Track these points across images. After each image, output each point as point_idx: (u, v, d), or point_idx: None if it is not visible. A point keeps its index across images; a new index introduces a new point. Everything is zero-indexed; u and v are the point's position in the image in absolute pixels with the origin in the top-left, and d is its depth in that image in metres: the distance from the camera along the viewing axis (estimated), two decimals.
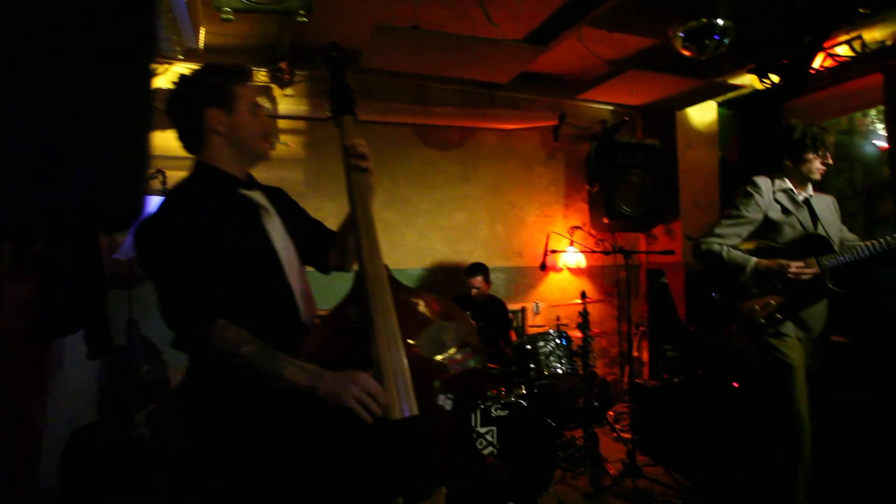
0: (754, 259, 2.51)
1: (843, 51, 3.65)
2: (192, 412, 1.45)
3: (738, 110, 4.95)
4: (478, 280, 3.89)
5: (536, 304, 4.45)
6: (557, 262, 4.66)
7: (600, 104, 4.85)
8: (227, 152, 1.46)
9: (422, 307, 1.51)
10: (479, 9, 3.21)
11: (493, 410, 2.97)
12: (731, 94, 4.61)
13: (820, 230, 2.57)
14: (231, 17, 2.30)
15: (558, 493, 3.20)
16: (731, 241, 2.57)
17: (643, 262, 4.99)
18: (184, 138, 1.48)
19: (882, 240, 2.42)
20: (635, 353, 4.89)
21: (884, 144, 4.51)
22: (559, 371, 3.22)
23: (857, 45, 3.54)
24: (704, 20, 2.85)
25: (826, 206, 2.68)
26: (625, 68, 3.83)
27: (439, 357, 1.44)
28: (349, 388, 1.27)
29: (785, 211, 2.58)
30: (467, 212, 4.57)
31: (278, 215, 1.53)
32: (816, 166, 2.56)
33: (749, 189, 2.60)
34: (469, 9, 3.31)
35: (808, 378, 2.51)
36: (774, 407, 2.58)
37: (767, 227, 2.58)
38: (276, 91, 4.03)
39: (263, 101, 1.54)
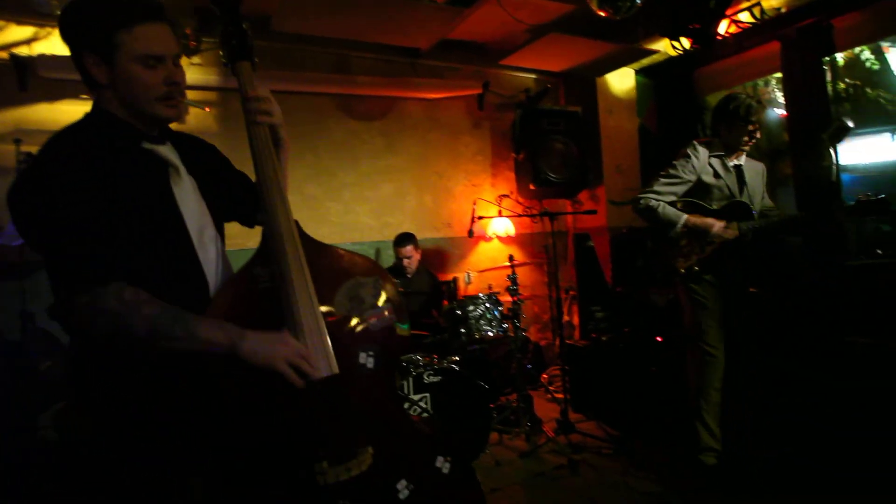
0: (685, 216, 2.71)
1: (746, 17, 3.84)
2: (89, 400, 1.26)
3: (654, 78, 5.12)
4: (408, 249, 3.83)
5: (468, 273, 4.43)
6: (487, 231, 4.68)
7: (524, 72, 4.87)
8: (120, 107, 1.24)
9: (337, 263, 1.43)
10: None
11: (425, 377, 2.95)
12: (646, 62, 4.75)
13: (745, 196, 2.78)
14: None
15: (495, 455, 3.24)
16: (666, 199, 2.76)
17: (570, 228, 5.11)
18: (82, 77, 1.24)
19: (788, 215, 2.80)
20: (566, 318, 5.02)
21: (783, 111, 4.81)
22: (490, 334, 3.24)
23: (756, 11, 3.73)
24: None
25: (755, 173, 2.88)
26: (545, 33, 3.84)
27: (358, 313, 1.38)
28: (278, 349, 1.18)
29: (716, 175, 2.77)
30: (394, 183, 4.48)
31: (191, 174, 1.35)
32: (745, 140, 2.73)
33: (689, 152, 2.78)
34: None
35: (725, 320, 2.74)
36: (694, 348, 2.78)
37: (700, 189, 2.78)
38: (183, 59, 3.73)
39: (160, 47, 1.22)
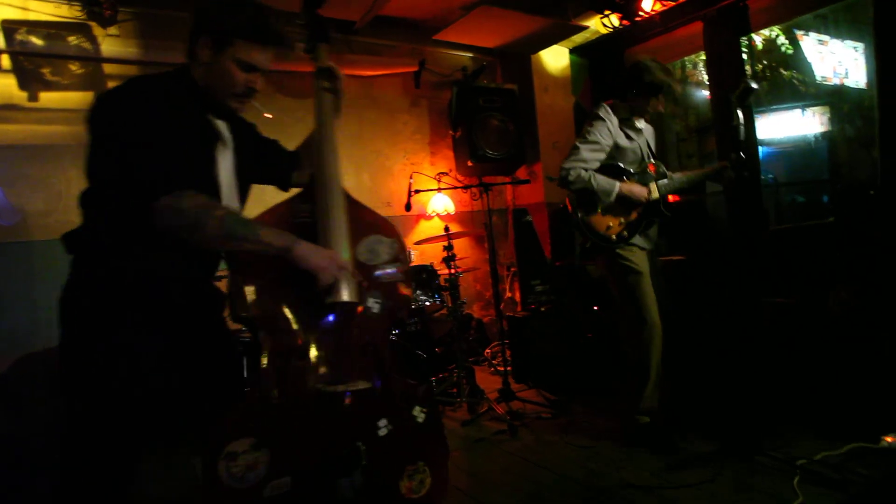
0: (618, 184, 2.72)
1: None
2: (76, 320, 1.35)
3: (588, 58, 5.24)
4: None
5: (409, 252, 4.43)
6: (427, 209, 4.68)
7: (460, 51, 4.89)
8: (201, 81, 1.45)
9: (366, 218, 1.68)
10: None
11: None
12: (579, 40, 4.87)
13: (651, 157, 2.88)
14: None
15: None
16: (593, 166, 2.75)
17: (510, 205, 5.18)
18: (189, 41, 1.44)
19: (704, 172, 2.89)
20: (508, 294, 5.10)
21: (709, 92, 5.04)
22: (426, 304, 3.24)
23: None
24: None
25: (650, 134, 3.00)
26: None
27: (374, 264, 1.61)
28: (325, 261, 1.40)
29: (629, 138, 2.84)
30: None
31: (234, 152, 1.55)
32: (656, 108, 2.83)
33: (600, 114, 2.79)
34: None
35: (653, 284, 2.79)
36: (629, 316, 2.81)
37: (616, 152, 2.83)
38: (97, 30, 3.54)
39: (256, 60, 1.47)
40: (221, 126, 1.52)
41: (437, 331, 4.15)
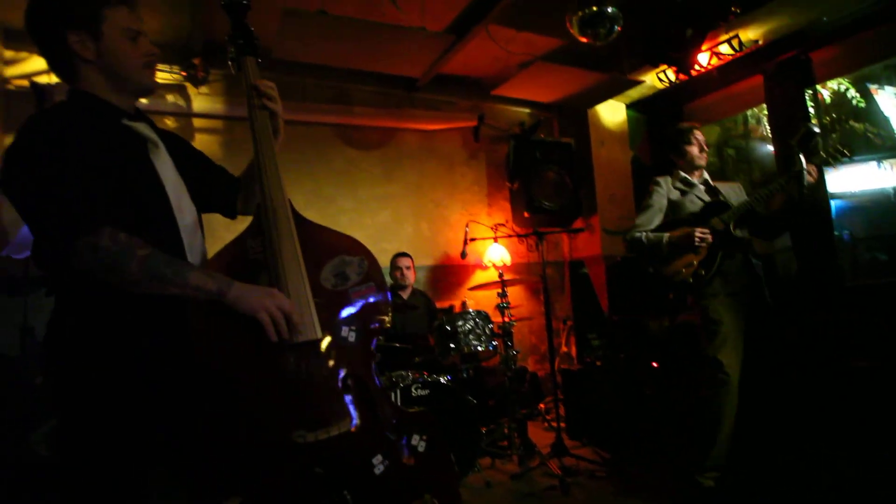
0: (666, 234, 2.80)
1: (726, 49, 4.00)
2: (62, 360, 1.26)
3: (645, 113, 5.29)
4: (405, 260, 3.91)
5: (464, 301, 4.47)
6: (483, 259, 4.73)
7: (518, 107, 5.06)
8: (104, 82, 1.32)
9: (325, 240, 1.51)
10: (388, 1, 3.31)
11: (413, 390, 2.93)
12: (636, 96, 4.93)
13: (723, 199, 2.86)
14: None
15: (486, 476, 3.17)
16: (647, 228, 2.89)
17: (566, 258, 5.15)
18: (52, 65, 1.33)
19: (767, 188, 2.70)
20: (564, 348, 4.98)
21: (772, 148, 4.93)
22: (479, 349, 3.23)
23: (735, 43, 3.89)
24: (595, 8, 3.06)
25: (731, 189, 2.99)
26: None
27: (342, 288, 1.45)
28: (263, 300, 1.25)
29: (682, 192, 2.93)
30: (391, 210, 4.59)
31: (169, 153, 1.44)
32: (695, 153, 2.93)
33: (652, 185, 3.01)
34: (377, 3, 3.41)
35: (739, 339, 2.68)
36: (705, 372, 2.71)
37: (672, 209, 2.93)
38: (191, 89, 3.96)
39: (136, 23, 1.36)
40: (143, 127, 1.40)
41: (490, 381, 4.10)
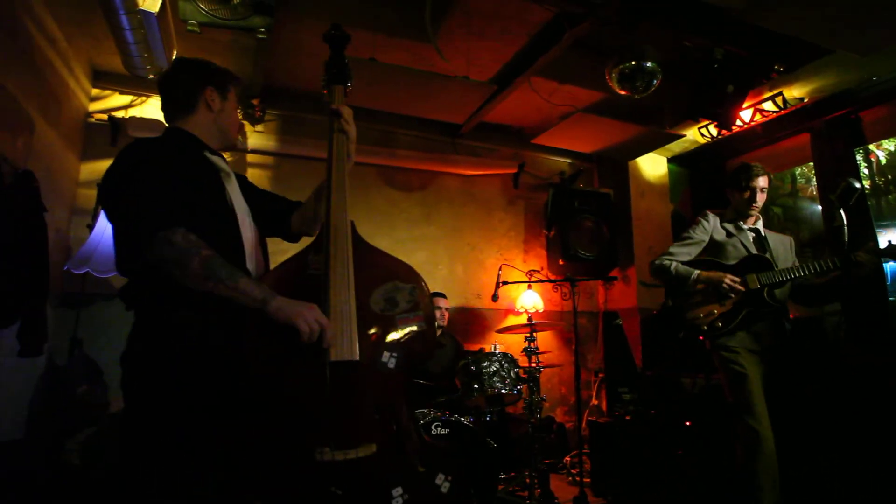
0: (697, 271, 2.73)
1: (770, 107, 4.00)
2: (139, 367, 1.41)
3: (687, 167, 5.27)
4: (439, 301, 3.95)
5: (495, 345, 4.43)
6: (516, 305, 4.72)
7: (558, 156, 5.15)
8: (209, 128, 1.64)
9: (382, 264, 1.56)
10: (436, 52, 3.51)
11: (433, 428, 2.92)
12: (678, 150, 4.94)
13: (769, 256, 2.76)
14: (197, 29, 2.51)
15: None
16: (680, 259, 2.82)
17: (601, 309, 5.07)
18: (173, 104, 1.64)
19: (815, 263, 2.60)
20: (594, 401, 4.84)
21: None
22: (503, 391, 3.19)
23: (779, 101, 3.89)
24: (634, 63, 3.14)
25: (780, 242, 2.90)
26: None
27: (390, 314, 1.47)
28: (301, 310, 1.34)
29: (729, 234, 2.83)
30: (427, 251, 4.68)
31: (237, 182, 1.69)
32: (756, 193, 2.79)
33: (700, 217, 2.92)
34: (425, 52, 3.62)
35: (767, 390, 2.57)
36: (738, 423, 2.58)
37: (713, 248, 2.83)
38: (248, 127, 4.25)
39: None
40: (219, 161, 1.63)
41: (515, 430, 4.01)
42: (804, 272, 2.61)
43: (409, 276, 1.54)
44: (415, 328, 1.47)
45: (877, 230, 3.98)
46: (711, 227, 2.87)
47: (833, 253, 2.48)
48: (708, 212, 2.92)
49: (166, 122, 1.66)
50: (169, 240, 1.32)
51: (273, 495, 1.29)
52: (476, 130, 4.67)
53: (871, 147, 4.97)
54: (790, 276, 2.63)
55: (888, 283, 4.24)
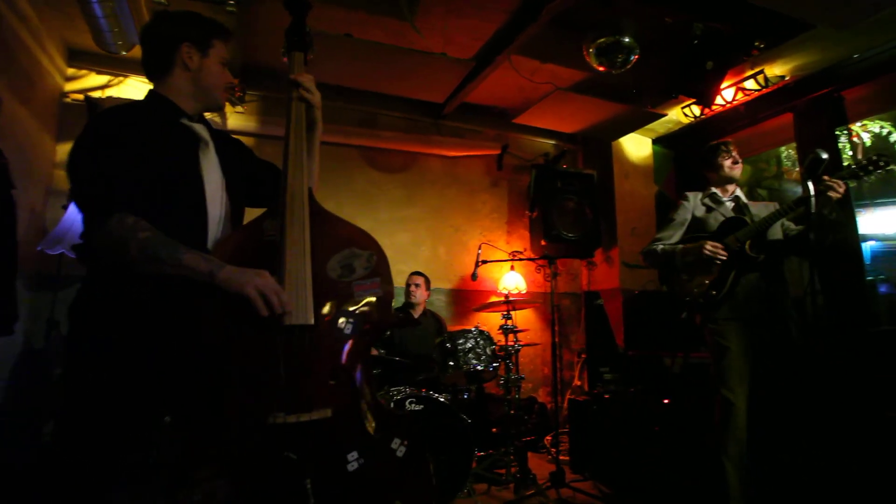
0: (680, 245, 2.82)
1: (751, 85, 3.97)
2: (82, 325, 1.41)
3: (672, 149, 5.25)
4: (418, 279, 3.95)
5: (476, 327, 4.45)
6: (498, 286, 4.73)
7: (542, 137, 5.12)
8: (188, 89, 1.55)
9: (339, 231, 1.54)
10: (413, 30, 3.47)
11: (407, 403, 2.93)
12: (662, 131, 4.92)
13: (748, 218, 2.74)
14: (164, 1, 2.47)
15: (479, 501, 3.10)
16: (666, 242, 2.89)
17: (584, 290, 5.08)
18: (149, 63, 1.57)
19: (784, 205, 2.59)
20: (577, 382, 4.86)
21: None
22: (478, 368, 3.20)
23: (760, 79, 3.86)
24: (612, 38, 3.12)
25: (764, 207, 2.86)
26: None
27: (346, 280, 1.46)
28: (251, 278, 1.33)
29: (709, 209, 2.88)
30: (410, 233, 4.67)
31: (217, 153, 1.60)
32: (728, 164, 2.85)
33: (681, 199, 2.99)
34: (404, 30, 3.57)
35: (746, 369, 2.59)
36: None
37: (696, 225, 2.88)
38: (228, 107, 4.21)
39: (227, 56, 1.66)
40: (199, 128, 1.57)
41: (495, 409, 4.03)
42: (776, 217, 2.58)
43: (367, 242, 1.53)
44: (371, 294, 1.47)
45: (856, 210, 3.97)
46: (692, 205, 2.92)
47: (810, 230, 2.44)
48: (687, 193, 2.98)
49: (149, 81, 1.60)
50: (103, 227, 1.31)
51: (227, 460, 1.29)
52: (459, 111, 4.64)
53: (856, 128, 4.97)
54: (765, 224, 2.61)
55: (867, 263, 4.26)
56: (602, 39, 3.16)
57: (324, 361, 1.39)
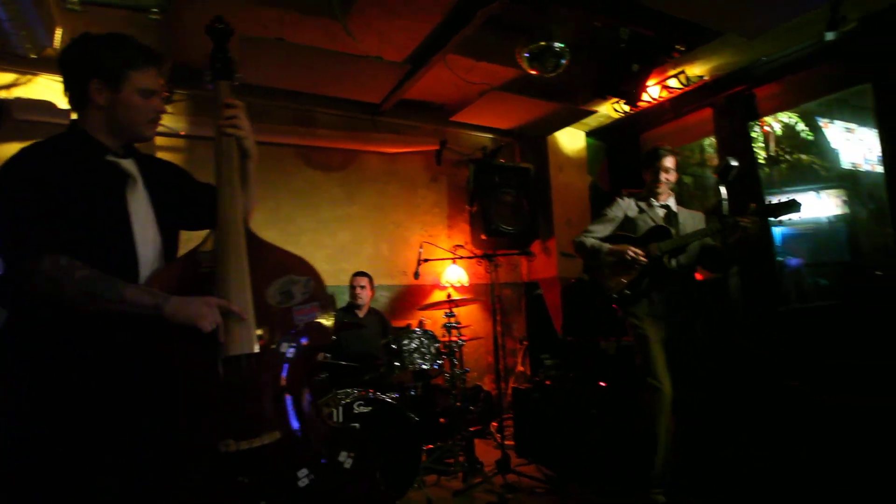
0: (607, 245, 3.01)
1: (674, 84, 4.21)
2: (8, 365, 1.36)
3: (605, 141, 5.48)
4: (363, 279, 3.98)
5: (421, 321, 4.54)
6: (441, 280, 4.82)
7: (480, 132, 5.21)
8: (102, 125, 1.47)
9: (276, 259, 1.58)
10: (346, 34, 3.44)
11: (355, 406, 2.99)
12: (595, 124, 5.12)
13: (673, 230, 2.98)
14: (77, 7, 2.35)
15: (429, 494, 3.22)
16: (596, 235, 3.09)
17: (524, 279, 5.26)
18: (68, 97, 1.49)
19: (702, 229, 2.93)
20: (520, 368, 5.07)
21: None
22: (424, 367, 3.30)
23: (682, 78, 4.10)
24: (543, 43, 3.22)
25: (691, 216, 3.12)
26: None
27: (286, 306, 1.51)
28: (200, 308, 1.34)
29: (640, 211, 3.09)
30: (351, 231, 4.67)
31: (148, 187, 1.55)
32: (665, 178, 3.06)
33: (616, 197, 3.21)
34: (341, 31, 3.53)
35: (668, 350, 2.87)
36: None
37: (627, 224, 3.10)
38: None
39: (155, 84, 1.53)
40: (127, 164, 1.51)
41: (442, 400, 4.15)
42: (695, 237, 2.90)
43: (304, 269, 1.57)
44: (311, 318, 1.53)
45: (766, 198, 4.32)
46: (626, 205, 3.13)
47: (724, 248, 2.78)
48: (623, 191, 3.19)
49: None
50: (35, 270, 1.27)
51: (180, 491, 1.32)
52: (397, 108, 4.64)
53: (769, 119, 5.35)
54: (684, 241, 2.91)
55: (777, 245, 4.65)
56: (534, 45, 3.26)
57: (269, 387, 1.43)
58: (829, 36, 3.19)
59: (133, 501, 1.34)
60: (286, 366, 1.47)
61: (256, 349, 1.41)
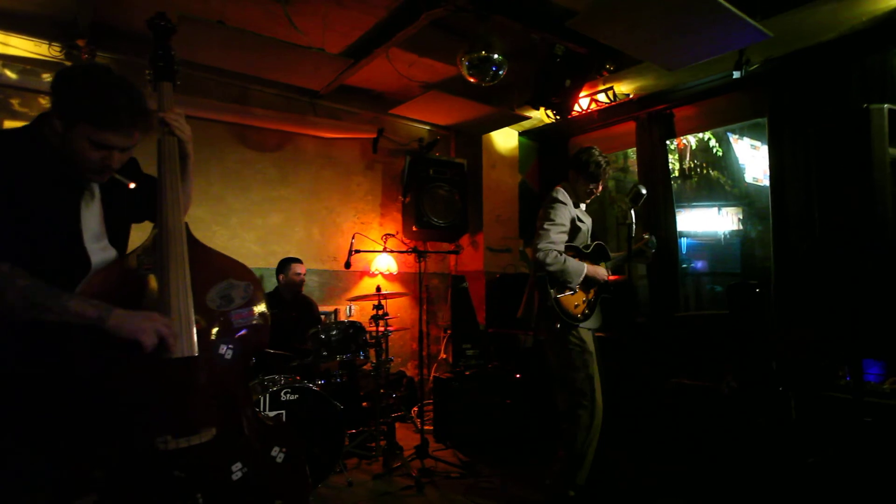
0: (586, 266, 2.83)
1: (603, 98, 4.48)
2: None
3: (537, 141, 5.72)
4: (300, 267, 3.99)
5: (349, 306, 4.62)
6: (371, 267, 4.91)
7: (419, 123, 5.29)
8: (59, 147, 1.43)
9: (216, 264, 1.62)
10: (291, 13, 3.39)
11: (282, 394, 3.06)
12: (528, 126, 5.33)
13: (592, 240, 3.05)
14: None
15: (350, 476, 3.37)
16: (561, 248, 2.80)
17: (452, 271, 5.46)
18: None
19: (621, 253, 3.05)
20: (443, 355, 5.29)
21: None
22: (349, 357, 3.42)
23: (610, 94, 4.39)
24: (483, 53, 3.34)
25: (587, 216, 3.12)
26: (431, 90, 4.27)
27: (226, 310, 1.57)
28: (143, 324, 1.35)
29: (579, 219, 2.95)
30: (283, 214, 4.64)
31: (102, 199, 1.55)
32: (594, 188, 2.97)
33: (559, 198, 2.89)
34: (279, 18, 3.48)
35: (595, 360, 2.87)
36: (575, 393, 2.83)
37: (572, 233, 2.91)
38: None
39: (111, 141, 1.41)
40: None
41: (366, 385, 4.29)
42: (626, 259, 2.99)
43: (243, 273, 1.63)
44: (249, 321, 1.59)
45: (676, 210, 4.74)
46: (571, 210, 2.89)
47: (626, 242, 2.88)
48: (560, 189, 2.92)
49: None
50: None
51: (118, 487, 1.37)
52: (336, 92, 4.61)
53: (689, 136, 5.80)
54: (620, 260, 3.01)
55: (682, 253, 5.11)
56: (475, 55, 3.36)
57: (207, 387, 1.50)
58: (736, 74, 3.53)
59: (67, 495, 1.37)
60: (224, 366, 1.54)
61: (196, 353, 1.46)
